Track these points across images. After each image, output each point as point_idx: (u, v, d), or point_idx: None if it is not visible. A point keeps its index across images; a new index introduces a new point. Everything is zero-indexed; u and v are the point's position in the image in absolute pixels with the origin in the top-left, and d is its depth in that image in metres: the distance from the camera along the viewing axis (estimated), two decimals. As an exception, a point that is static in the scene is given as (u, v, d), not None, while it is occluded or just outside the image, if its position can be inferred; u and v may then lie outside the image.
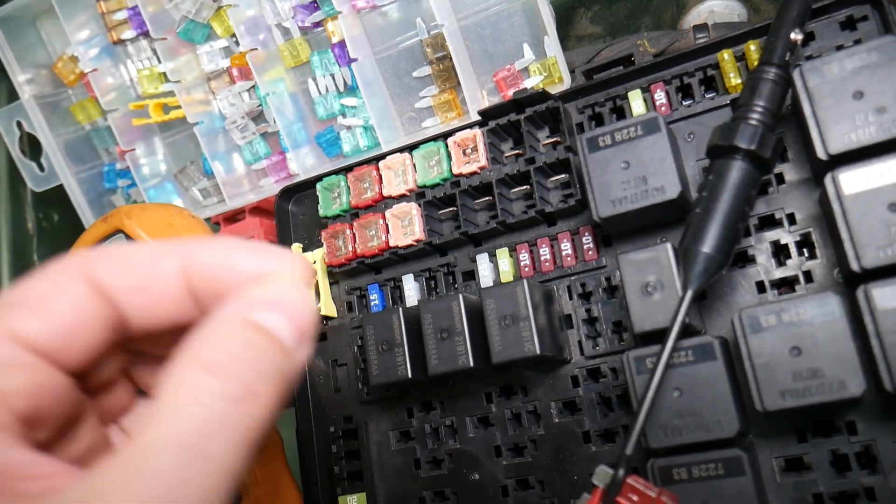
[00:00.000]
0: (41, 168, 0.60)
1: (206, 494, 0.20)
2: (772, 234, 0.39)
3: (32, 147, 0.61)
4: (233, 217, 0.58)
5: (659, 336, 0.36)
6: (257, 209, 0.57)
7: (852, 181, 0.33)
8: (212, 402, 0.21)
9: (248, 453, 0.21)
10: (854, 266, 0.33)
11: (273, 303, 0.23)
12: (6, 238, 0.61)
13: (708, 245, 0.34)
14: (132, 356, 0.28)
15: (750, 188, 0.35)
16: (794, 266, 0.39)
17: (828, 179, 0.34)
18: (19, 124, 0.59)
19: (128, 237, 0.46)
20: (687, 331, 0.36)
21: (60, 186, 0.61)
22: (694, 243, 0.34)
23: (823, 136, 0.35)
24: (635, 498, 0.32)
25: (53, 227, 0.64)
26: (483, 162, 0.45)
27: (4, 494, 0.20)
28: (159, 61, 0.58)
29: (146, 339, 0.28)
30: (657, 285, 0.36)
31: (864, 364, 0.33)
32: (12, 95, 0.65)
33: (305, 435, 0.49)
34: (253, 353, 0.22)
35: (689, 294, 0.34)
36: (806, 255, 0.39)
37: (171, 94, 0.57)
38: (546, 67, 0.50)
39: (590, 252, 0.43)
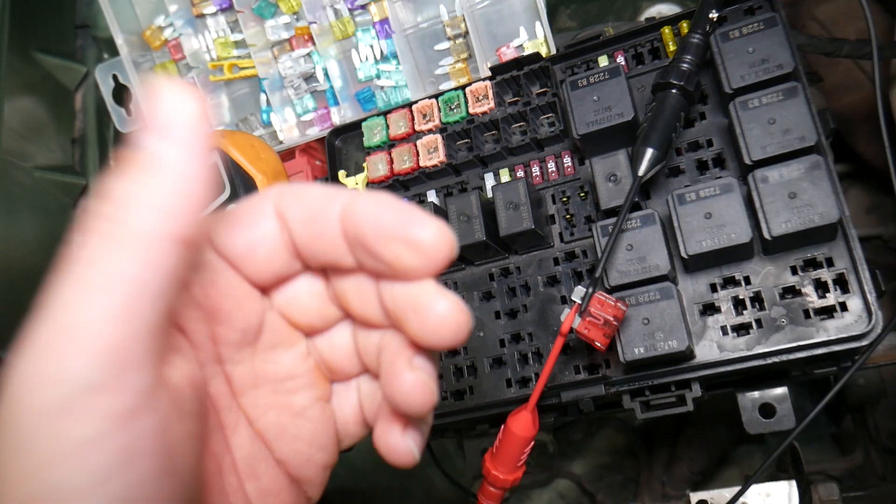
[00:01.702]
0: (129, 113, 0.75)
1: None
2: (696, 155, 0.56)
3: (117, 96, 0.75)
4: (284, 158, 0.73)
5: (617, 212, 0.52)
6: (305, 150, 0.72)
7: (746, 105, 0.50)
8: None
9: None
10: (746, 160, 0.50)
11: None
12: (93, 173, 0.75)
13: (651, 144, 0.50)
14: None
15: (680, 111, 0.52)
16: (711, 175, 0.55)
17: (731, 105, 0.51)
18: (115, 77, 0.74)
19: (221, 151, 0.61)
20: (636, 207, 0.52)
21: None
22: (642, 144, 0.51)
23: (728, 77, 0.52)
24: (599, 306, 0.48)
25: (130, 165, 0.78)
26: (491, 105, 0.61)
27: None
28: (231, 32, 0.73)
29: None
30: (617, 176, 0.53)
31: (750, 223, 0.49)
32: (98, 58, 0.80)
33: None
34: None
35: (638, 179, 0.50)
36: (720, 168, 0.55)
37: (239, 57, 0.73)
38: (536, 46, 0.67)
39: (568, 169, 0.59)
